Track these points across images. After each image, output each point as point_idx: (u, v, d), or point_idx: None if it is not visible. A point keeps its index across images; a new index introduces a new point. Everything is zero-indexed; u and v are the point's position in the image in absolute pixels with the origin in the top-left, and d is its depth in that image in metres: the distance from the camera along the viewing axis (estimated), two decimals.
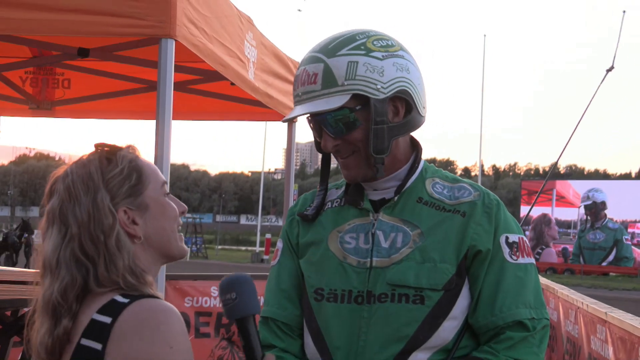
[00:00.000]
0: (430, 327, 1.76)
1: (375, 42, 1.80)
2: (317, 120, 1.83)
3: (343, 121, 1.79)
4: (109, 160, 1.57)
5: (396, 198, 1.85)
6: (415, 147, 1.93)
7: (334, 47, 1.79)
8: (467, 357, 1.77)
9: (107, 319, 1.45)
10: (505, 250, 1.81)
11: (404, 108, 1.83)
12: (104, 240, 1.50)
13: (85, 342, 1.45)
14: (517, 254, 1.81)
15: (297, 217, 1.96)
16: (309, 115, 1.85)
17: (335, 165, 2.01)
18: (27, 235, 25.13)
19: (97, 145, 1.61)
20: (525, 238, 1.87)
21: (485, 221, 1.81)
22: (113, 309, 1.46)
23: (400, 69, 1.80)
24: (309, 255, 1.90)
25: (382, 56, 1.79)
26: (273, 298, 1.93)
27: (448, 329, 1.77)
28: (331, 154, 1.96)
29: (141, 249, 1.56)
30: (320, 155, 1.98)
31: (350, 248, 1.84)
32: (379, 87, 1.77)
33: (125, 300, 1.47)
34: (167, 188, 1.65)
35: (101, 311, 1.46)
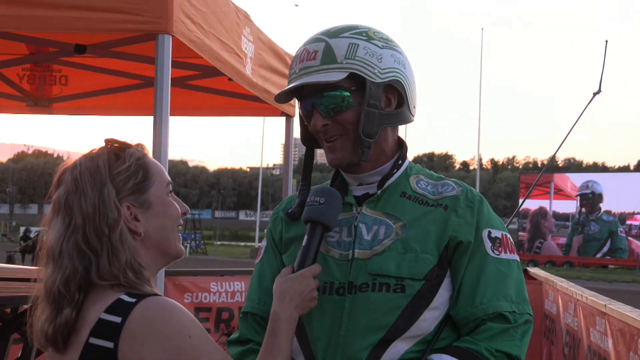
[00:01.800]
0: (411, 316, 1.77)
1: (376, 33, 1.87)
2: (310, 100, 1.85)
3: (336, 100, 1.82)
4: (117, 156, 1.61)
5: (379, 192, 1.87)
6: (401, 145, 1.96)
7: (336, 31, 1.86)
8: (449, 347, 1.77)
9: (117, 319, 1.48)
10: (487, 244, 1.82)
11: (396, 100, 1.87)
12: (109, 233, 1.53)
13: (94, 341, 1.48)
14: (500, 249, 1.83)
15: (281, 214, 1.98)
16: (300, 101, 1.87)
17: (317, 162, 2.02)
18: None
19: (107, 141, 1.64)
20: (508, 235, 1.88)
21: (468, 214, 1.83)
22: (121, 309, 1.49)
23: (397, 62, 1.86)
24: (293, 250, 1.90)
25: (382, 45, 1.85)
26: (254, 294, 1.94)
27: (429, 319, 1.78)
28: (314, 151, 1.99)
29: (141, 246, 1.59)
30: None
31: (333, 241, 1.85)
32: (376, 71, 1.82)
33: (132, 300, 1.50)
34: (171, 188, 1.69)
35: (109, 311, 1.49)
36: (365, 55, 1.81)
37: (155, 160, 1.68)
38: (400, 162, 1.92)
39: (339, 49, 1.81)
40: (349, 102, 1.82)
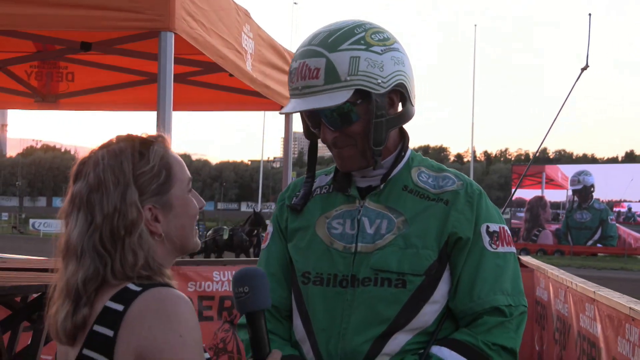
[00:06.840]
0: (412, 310, 1.81)
1: (373, 36, 1.83)
2: (317, 114, 1.85)
3: (343, 115, 1.81)
4: (142, 154, 1.55)
5: (382, 186, 1.89)
6: (403, 136, 1.97)
7: (334, 41, 1.81)
8: (448, 339, 1.82)
9: (120, 307, 1.45)
10: (486, 239, 1.85)
11: (399, 100, 1.88)
12: (124, 235, 1.49)
13: (97, 328, 1.46)
14: (497, 242, 1.86)
15: (287, 202, 2.01)
16: (307, 111, 1.87)
17: (323, 155, 2.07)
18: (259, 231, 19.94)
19: (130, 136, 1.58)
20: (506, 227, 1.90)
21: (467, 210, 1.86)
22: (125, 297, 1.46)
23: (397, 63, 1.84)
24: (297, 240, 1.95)
25: (381, 50, 1.82)
26: None
27: (429, 312, 1.83)
28: (318, 141, 2.00)
29: (159, 244, 1.55)
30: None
31: (337, 233, 1.89)
32: (379, 82, 1.80)
33: (138, 289, 1.46)
34: (191, 184, 1.63)
35: (114, 299, 1.46)
36: (368, 68, 1.78)
37: (176, 155, 1.62)
38: (402, 153, 1.93)
39: (340, 65, 1.78)
40: (356, 115, 1.81)
